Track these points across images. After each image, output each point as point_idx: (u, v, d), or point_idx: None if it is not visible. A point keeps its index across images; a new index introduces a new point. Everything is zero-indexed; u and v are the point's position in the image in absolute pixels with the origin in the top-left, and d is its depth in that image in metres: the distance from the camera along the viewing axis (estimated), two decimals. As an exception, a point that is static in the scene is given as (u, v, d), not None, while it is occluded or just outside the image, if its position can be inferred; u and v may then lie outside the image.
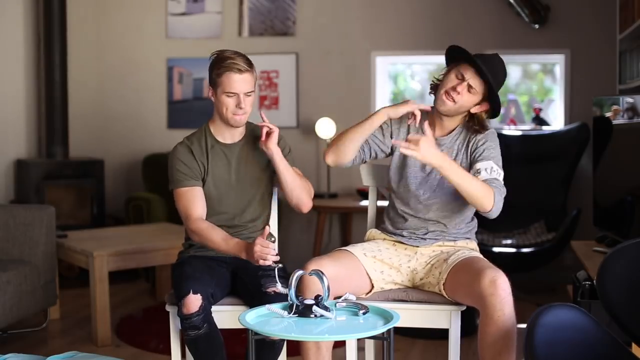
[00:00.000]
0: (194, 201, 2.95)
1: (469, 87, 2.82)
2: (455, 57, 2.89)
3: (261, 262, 2.69)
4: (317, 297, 2.37)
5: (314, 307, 2.34)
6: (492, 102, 2.87)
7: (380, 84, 6.03)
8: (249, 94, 2.90)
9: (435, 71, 6.28)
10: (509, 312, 2.56)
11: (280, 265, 2.76)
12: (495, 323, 2.55)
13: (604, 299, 2.34)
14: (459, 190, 2.72)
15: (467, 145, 2.89)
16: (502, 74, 2.87)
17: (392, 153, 3.01)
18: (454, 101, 2.83)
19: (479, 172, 2.79)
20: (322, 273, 2.40)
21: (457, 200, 2.85)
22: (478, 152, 2.85)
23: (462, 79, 2.82)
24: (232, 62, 2.87)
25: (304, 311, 2.36)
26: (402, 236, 2.94)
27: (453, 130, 2.93)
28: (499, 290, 2.55)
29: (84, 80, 6.37)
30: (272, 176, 3.06)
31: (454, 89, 2.82)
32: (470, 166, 2.85)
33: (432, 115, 2.95)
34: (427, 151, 2.64)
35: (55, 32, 5.87)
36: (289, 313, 2.37)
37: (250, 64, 2.91)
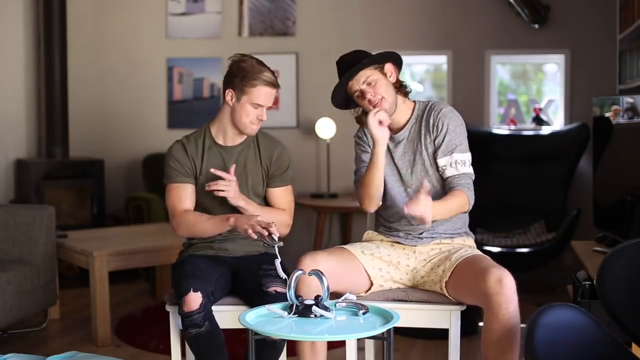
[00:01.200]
0: (183, 197, 3.01)
1: (367, 85, 2.90)
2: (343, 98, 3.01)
3: (250, 231, 2.74)
4: (317, 297, 2.37)
5: (314, 307, 2.35)
6: (392, 62, 3.00)
7: (380, 84, 6.01)
8: (268, 107, 3.02)
9: (435, 71, 6.29)
10: (514, 310, 2.57)
11: (281, 243, 2.75)
12: (501, 321, 2.56)
13: (604, 299, 2.34)
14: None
15: (428, 129, 2.89)
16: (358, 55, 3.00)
17: None
18: (381, 100, 2.86)
19: (445, 169, 2.85)
20: (322, 273, 2.40)
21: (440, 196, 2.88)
22: (439, 140, 2.86)
23: (359, 91, 2.92)
24: (269, 75, 2.96)
25: (303, 311, 2.36)
26: (399, 237, 2.94)
27: (407, 123, 2.94)
28: (505, 288, 2.56)
29: (84, 81, 6.37)
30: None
31: (367, 99, 2.87)
32: (434, 148, 2.87)
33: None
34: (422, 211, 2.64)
35: (55, 32, 5.87)
36: (289, 313, 2.38)
37: None
